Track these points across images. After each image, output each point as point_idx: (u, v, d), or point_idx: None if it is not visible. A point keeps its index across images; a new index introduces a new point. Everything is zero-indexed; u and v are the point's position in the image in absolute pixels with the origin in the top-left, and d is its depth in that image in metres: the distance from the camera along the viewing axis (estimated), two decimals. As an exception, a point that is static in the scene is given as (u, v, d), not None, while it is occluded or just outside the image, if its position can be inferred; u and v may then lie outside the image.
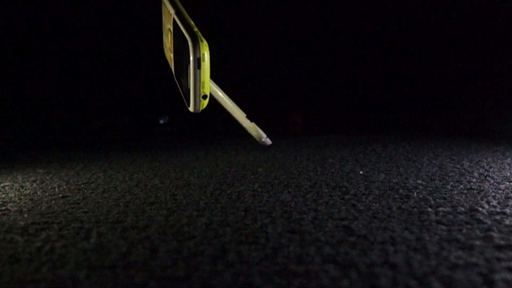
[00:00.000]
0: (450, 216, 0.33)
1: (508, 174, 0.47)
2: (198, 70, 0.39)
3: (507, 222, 0.32)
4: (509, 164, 0.51)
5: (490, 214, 0.33)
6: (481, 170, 0.48)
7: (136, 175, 0.49)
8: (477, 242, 0.28)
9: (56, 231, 0.31)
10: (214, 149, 0.66)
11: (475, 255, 0.26)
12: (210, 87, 0.41)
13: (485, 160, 0.54)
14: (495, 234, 0.29)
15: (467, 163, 0.52)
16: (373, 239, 0.29)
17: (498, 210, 0.34)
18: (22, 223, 0.33)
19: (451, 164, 0.52)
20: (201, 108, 0.41)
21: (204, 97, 0.40)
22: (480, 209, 0.35)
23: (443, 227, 0.31)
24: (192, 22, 0.42)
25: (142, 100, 1.05)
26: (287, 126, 0.99)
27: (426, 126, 0.92)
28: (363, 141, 0.71)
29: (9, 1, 0.91)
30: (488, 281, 0.23)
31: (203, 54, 0.39)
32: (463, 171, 0.48)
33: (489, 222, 0.32)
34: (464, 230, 0.30)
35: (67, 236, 0.30)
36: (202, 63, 0.39)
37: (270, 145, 0.53)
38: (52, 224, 0.33)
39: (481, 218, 0.33)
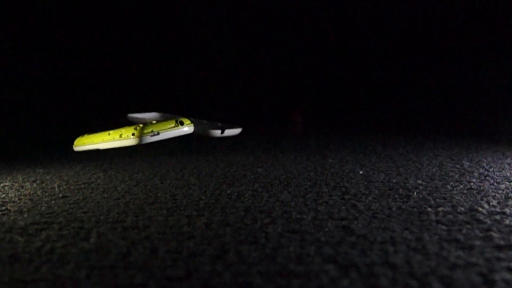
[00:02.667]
0: (450, 216, 0.33)
1: (508, 174, 0.47)
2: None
3: (507, 222, 0.32)
4: (509, 164, 0.51)
5: (490, 214, 0.33)
6: (481, 170, 0.48)
7: (136, 175, 0.49)
8: (477, 242, 0.28)
9: (56, 231, 0.31)
10: (214, 149, 0.66)
11: (475, 255, 0.26)
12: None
13: (485, 160, 0.54)
14: (495, 234, 0.29)
15: (467, 163, 0.52)
16: (373, 239, 0.29)
17: (498, 210, 0.34)
18: (22, 223, 0.33)
19: (451, 164, 0.52)
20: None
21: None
22: (480, 209, 0.35)
23: (443, 227, 0.31)
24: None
25: (142, 100, 1.05)
26: (287, 125, 0.99)
27: (426, 126, 0.92)
28: (363, 141, 0.71)
29: (9, 1, 0.91)
30: (488, 281, 0.23)
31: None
32: (463, 171, 0.48)
33: (489, 222, 0.32)
34: (464, 230, 0.30)
35: (67, 236, 0.30)
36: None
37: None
38: (52, 224, 0.33)
39: (481, 218, 0.33)
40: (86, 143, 0.54)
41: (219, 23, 1.09)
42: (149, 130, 0.47)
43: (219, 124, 0.68)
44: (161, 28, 1.05)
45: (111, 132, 0.50)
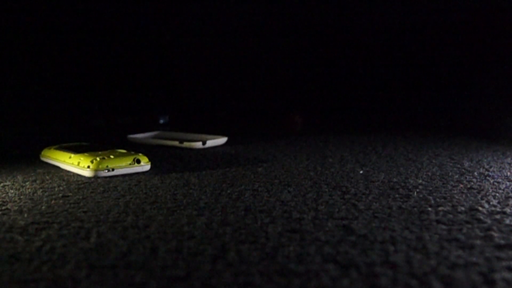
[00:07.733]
0: (450, 216, 0.33)
1: (508, 173, 0.47)
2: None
3: (507, 221, 0.32)
4: (509, 164, 0.51)
5: (490, 213, 0.33)
6: (481, 170, 0.48)
7: (136, 174, 0.49)
8: (477, 242, 0.28)
9: (56, 230, 0.31)
10: (213, 148, 0.66)
11: (475, 255, 0.26)
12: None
13: (485, 160, 0.54)
14: (495, 234, 0.29)
15: (467, 163, 0.52)
16: (373, 238, 0.29)
17: (498, 209, 0.34)
18: (22, 222, 0.33)
19: (451, 164, 0.52)
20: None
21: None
22: (480, 208, 0.35)
23: (443, 227, 0.31)
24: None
25: (142, 100, 1.05)
26: (287, 125, 0.98)
27: (426, 125, 0.92)
28: (363, 141, 0.71)
29: (10, 1, 0.91)
30: (488, 281, 0.23)
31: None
32: (463, 170, 0.48)
33: (489, 222, 0.32)
34: (464, 230, 0.30)
35: (67, 236, 0.30)
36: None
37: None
38: (52, 223, 0.33)
39: (481, 217, 0.33)
40: (51, 157, 0.54)
41: (219, 23, 1.09)
42: (104, 165, 0.48)
43: (201, 135, 0.68)
44: (159, 29, 1.05)
45: (72, 156, 0.50)
